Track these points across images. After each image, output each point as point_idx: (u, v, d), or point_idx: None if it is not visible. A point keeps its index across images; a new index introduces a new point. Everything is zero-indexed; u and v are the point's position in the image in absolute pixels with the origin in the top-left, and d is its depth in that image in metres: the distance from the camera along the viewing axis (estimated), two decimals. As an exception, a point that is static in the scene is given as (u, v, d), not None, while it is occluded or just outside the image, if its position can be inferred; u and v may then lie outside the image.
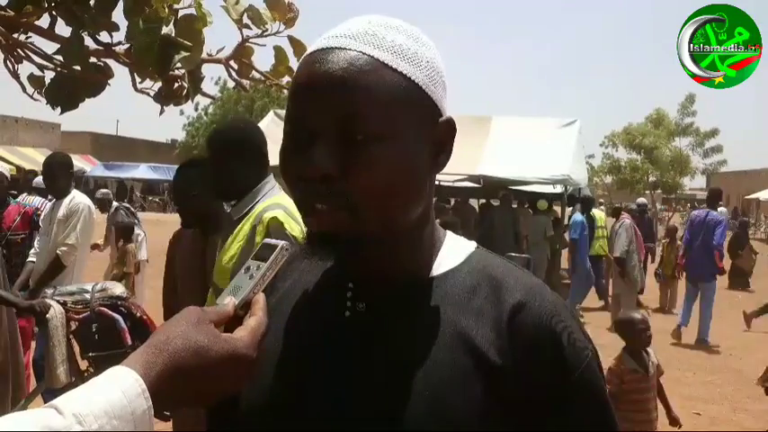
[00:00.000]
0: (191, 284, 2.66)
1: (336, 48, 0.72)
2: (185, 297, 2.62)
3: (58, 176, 4.41)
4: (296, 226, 2.14)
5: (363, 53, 0.71)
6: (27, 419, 0.56)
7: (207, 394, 0.66)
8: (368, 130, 0.70)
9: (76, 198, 4.40)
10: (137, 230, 6.32)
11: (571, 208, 11.73)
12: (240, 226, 2.32)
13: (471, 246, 0.84)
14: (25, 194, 5.57)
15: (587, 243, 9.88)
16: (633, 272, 8.37)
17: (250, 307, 0.72)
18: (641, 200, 12.30)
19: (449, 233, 0.85)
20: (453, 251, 0.82)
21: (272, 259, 0.74)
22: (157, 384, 0.61)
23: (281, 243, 0.75)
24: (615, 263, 8.57)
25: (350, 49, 0.72)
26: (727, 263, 10.11)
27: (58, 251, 4.22)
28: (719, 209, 9.44)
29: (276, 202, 2.27)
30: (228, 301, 0.71)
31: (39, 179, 6.24)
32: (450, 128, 0.78)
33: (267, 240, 0.78)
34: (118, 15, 2.19)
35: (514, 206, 11.48)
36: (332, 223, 0.72)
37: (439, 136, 0.77)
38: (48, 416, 0.56)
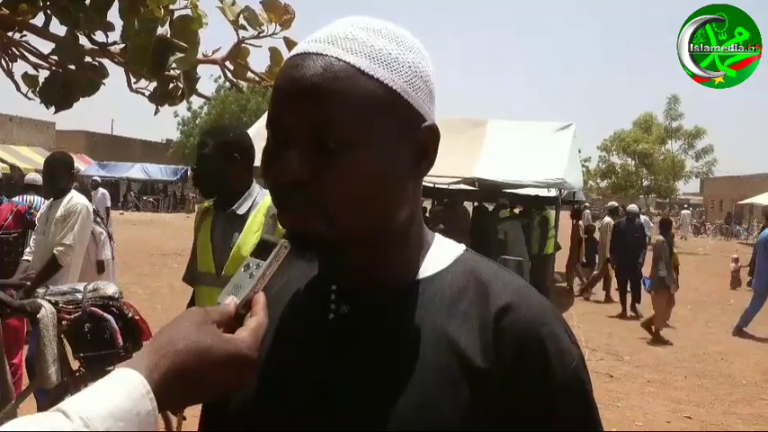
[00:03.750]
0: None
1: (313, 53, 0.72)
2: None
3: (59, 176, 4.38)
4: None
5: (339, 59, 0.71)
6: (36, 423, 0.57)
7: (209, 394, 0.67)
8: (340, 137, 0.69)
9: (75, 198, 4.37)
10: (99, 229, 5.93)
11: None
12: (251, 219, 2.68)
13: (460, 248, 0.83)
14: (26, 195, 5.46)
15: None
16: None
17: (251, 306, 0.72)
18: (632, 206, 12.32)
19: (437, 236, 0.84)
20: (441, 254, 0.81)
21: (272, 257, 0.74)
22: (161, 385, 0.62)
23: (280, 241, 0.75)
24: None
25: (326, 55, 0.71)
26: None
27: (54, 251, 4.17)
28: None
29: None
30: (230, 301, 0.72)
31: (30, 176, 6.16)
32: (432, 133, 0.76)
33: (265, 237, 0.78)
34: (113, 15, 2.19)
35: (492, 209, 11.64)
36: (304, 227, 0.72)
37: (421, 142, 0.75)
38: (56, 420, 0.57)
